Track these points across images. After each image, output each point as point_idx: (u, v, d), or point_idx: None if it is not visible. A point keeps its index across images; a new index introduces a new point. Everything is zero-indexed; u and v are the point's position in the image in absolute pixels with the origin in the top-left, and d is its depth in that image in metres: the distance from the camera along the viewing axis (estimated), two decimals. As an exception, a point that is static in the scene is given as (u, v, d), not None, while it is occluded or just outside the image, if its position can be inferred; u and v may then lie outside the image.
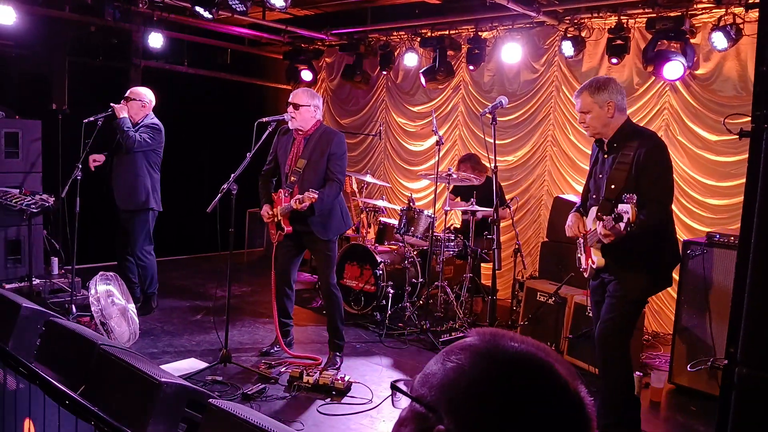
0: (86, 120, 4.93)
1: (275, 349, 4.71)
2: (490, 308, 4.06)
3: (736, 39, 5.22)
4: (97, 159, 5.26)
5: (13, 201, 5.15)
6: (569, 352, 4.75)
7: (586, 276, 3.60)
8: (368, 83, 8.03)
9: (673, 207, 5.50)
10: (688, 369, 4.09)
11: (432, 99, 7.65)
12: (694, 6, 5.47)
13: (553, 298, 4.88)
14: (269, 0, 5.34)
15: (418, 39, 7.34)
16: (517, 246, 5.52)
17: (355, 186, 6.85)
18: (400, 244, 6.00)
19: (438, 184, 5.57)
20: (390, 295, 5.60)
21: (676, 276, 4.17)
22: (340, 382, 4.03)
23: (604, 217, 3.19)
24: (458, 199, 6.15)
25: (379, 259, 5.70)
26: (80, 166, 4.86)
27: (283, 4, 5.39)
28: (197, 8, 5.79)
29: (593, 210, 3.47)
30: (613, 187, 3.34)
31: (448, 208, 5.70)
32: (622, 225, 2.97)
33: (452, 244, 5.68)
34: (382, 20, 7.32)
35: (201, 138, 8.09)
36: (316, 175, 4.34)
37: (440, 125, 7.15)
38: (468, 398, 0.76)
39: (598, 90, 3.36)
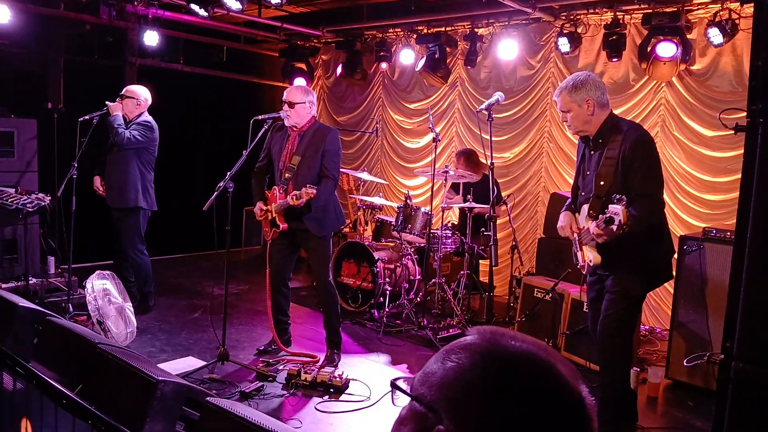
0: (81, 118, 4.93)
1: (273, 347, 4.71)
2: (487, 305, 4.06)
3: (732, 34, 5.23)
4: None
5: (9, 200, 5.12)
6: (566, 348, 4.76)
7: (583, 272, 3.60)
8: (365, 80, 8.02)
9: (670, 203, 5.56)
10: (685, 364, 4.11)
11: (428, 96, 7.64)
12: (690, 1, 5.48)
13: (550, 295, 4.89)
14: (265, -3, 5.34)
15: (414, 36, 7.34)
16: (514, 242, 5.53)
17: (351, 183, 6.84)
18: (398, 242, 5.99)
19: (435, 181, 5.57)
20: (387, 292, 5.61)
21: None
22: (337, 379, 4.04)
23: (597, 216, 3.19)
24: (458, 196, 6.14)
25: (376, 257, 5.70)
26: (76, 165, 4.86)
27: (279, 1, 5.38)
28: (193, 6, 5.78)
29: (585, 207, 3.46)
30: (602, 183, 3.34)
31: (445, 206, 5.70)
32: (614, 227, 2.97)
33: (449, 241, 5.68)
34: (377, 17, 7.32)
35: (197, 136, 8.09)
36: (311, 172, 4.32)
37: (437, 122, 7.15)
38: (468, 398, 0.76)
39: (575, 89, 3.37)
